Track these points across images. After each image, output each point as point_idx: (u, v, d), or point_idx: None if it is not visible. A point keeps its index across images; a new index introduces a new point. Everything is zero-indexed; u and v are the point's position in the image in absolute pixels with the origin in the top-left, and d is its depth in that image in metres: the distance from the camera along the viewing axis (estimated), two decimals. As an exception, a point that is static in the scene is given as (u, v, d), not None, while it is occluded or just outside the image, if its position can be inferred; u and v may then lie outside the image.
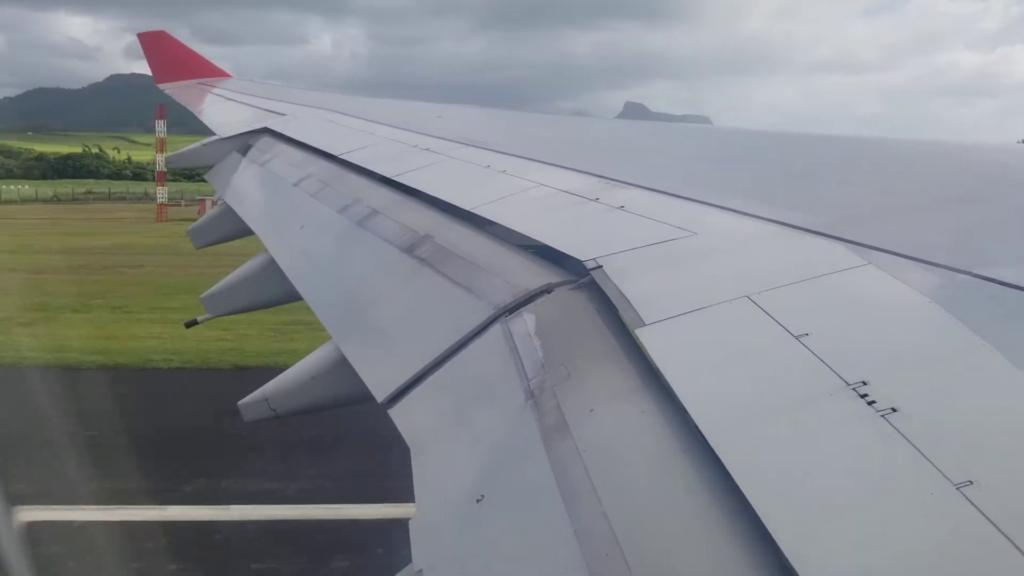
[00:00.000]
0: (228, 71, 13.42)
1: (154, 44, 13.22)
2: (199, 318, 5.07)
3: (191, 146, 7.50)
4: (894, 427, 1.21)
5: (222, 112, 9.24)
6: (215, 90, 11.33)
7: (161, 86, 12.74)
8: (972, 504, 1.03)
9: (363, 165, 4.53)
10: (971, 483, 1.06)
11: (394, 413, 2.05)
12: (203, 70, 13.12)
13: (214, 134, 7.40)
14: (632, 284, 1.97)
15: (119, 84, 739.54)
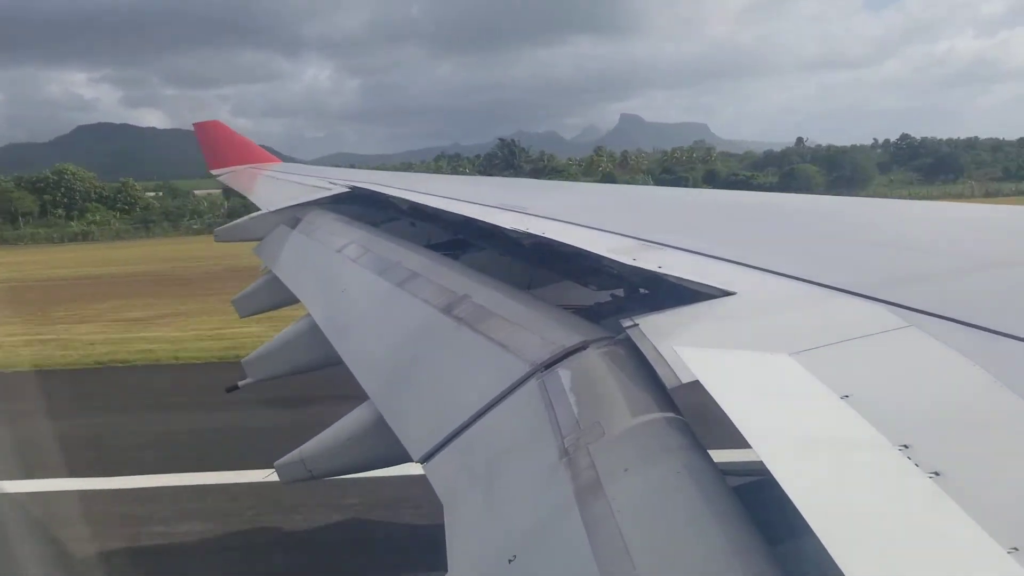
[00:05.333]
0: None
1: (207, 133, 13.97)
2: (240, 382, 5.13)
3: (238, 220, 7.78)
4: (939, 489, 1.17)
5: (271, 191, 9.63)
6: (265, 173, 11.91)
7: (213, 172, 13.40)
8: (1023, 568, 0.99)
9: (410, 200, 4.54)
10: (1016, 550, 1.02)
11: (428, 469, 2.03)
12: (253, 156, 13.81)
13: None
14: (668, 342, 1.95)
15: (82, 136, 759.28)
